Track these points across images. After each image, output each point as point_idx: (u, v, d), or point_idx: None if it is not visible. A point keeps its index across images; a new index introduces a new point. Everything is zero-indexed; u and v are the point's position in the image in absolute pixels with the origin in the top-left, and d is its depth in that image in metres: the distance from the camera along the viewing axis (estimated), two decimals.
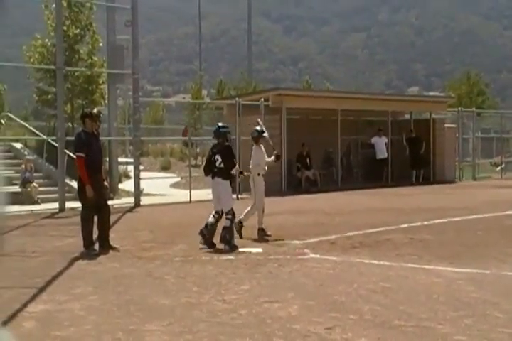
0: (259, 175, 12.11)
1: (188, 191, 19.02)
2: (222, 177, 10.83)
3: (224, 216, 10.77)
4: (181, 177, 23.52)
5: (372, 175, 25.87)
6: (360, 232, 12.17)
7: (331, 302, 7.04)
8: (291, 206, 17.57)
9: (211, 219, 10.79)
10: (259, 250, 10.51)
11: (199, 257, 9.97)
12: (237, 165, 10.97)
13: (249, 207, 12.01)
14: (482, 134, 31.04)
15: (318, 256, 9.94)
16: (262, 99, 21.78)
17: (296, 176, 23.00)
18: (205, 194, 20.22)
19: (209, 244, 10.63)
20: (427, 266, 9.00)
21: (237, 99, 21.92)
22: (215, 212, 10.87)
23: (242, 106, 21.28)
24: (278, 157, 12.52)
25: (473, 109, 32.23)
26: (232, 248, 10.48)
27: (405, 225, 13.06)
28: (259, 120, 13.13)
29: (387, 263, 9.30)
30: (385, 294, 7.36)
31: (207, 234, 10.67)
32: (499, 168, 31.31)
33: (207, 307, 6.87)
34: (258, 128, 12.02)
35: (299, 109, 23.80)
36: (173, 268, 9.09)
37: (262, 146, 12.09)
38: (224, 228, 10.64)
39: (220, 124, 11.44)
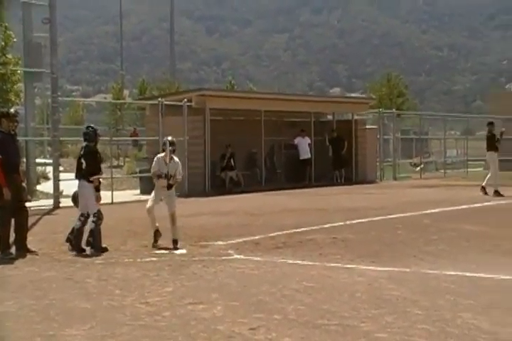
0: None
1: (110, 192, 18.74)
2: (86, 180, 10.64)
3: (90, 218, 10.57)
4: (102, 179, 23.18)
5: (296, 175, 26.06)
6: (284, 232, 12.22)
7: (255, 302, 7.04)
8: (215, 207, 17.54)
9: (77, 223, 10.55)
10: (183, 251, 10.43)
11: (121, 259, 9.83)
12: (98, 176, 10.73)
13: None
14: (402, 135, 31.65)
15: (242, 256, 9.94)
16: (185, 100, 21.65)
17: (220, 177, 23.01)
18: (128, 195, 20.08)
19: (78, 249, 10.41)
20: (349, 265, 9.10)
21: (160, 99, 21.74)
22: (80, 215, 10.63)
23: (165, 106, 21.11)
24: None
25: (394, 110, 32.93)
26: (99, 250, 10.34)
27: (328, 225, 13.18)
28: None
29: (311, 262, 9.37)
30: (308, 293, 7.41)
31: (73, 239, 10.47)
32: (418, 168, 32.01)
33: (130, 310, 6.78)
34: (170, 138, 11.28)
35: (223, 110, 23.80)
36: (95, 271, 8.94)
37: (172, 157, 11.09)
38: (89, 231, 10.46)
39: (92, 126, 11.27)
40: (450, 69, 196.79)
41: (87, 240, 10.46)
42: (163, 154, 11.17)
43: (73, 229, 10.56)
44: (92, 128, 11.06)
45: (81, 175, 10.73)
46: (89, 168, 10.63)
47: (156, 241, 10.95)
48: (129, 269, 9.05)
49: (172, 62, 53.92)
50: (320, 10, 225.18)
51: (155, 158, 11.37)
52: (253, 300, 7.15)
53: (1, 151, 10.04)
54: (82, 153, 10.86)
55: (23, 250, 10.26)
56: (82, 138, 11.07)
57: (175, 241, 10.89)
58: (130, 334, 5.88)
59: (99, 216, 10.55)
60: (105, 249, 10.48)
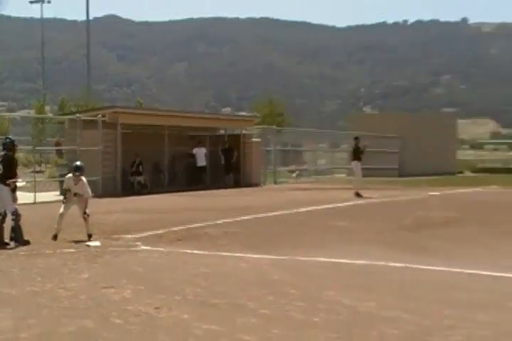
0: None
1: (33, 193, 18.08)
2: (3, 184, 10.22)
3: (10, 217, 10.19)
4: (26, 182, 22.35)
5: (193, 179, 26.00)
6: (184, 227, 12.13)
7: (158, 286, 6.97)
8: (125, 206, 17.18)
9: None
10: (98, 243, 10.18)
11: (43, 251, 9.49)
12: (13, 179, 10.29)
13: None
14: (281, 147, 32.03)
15: (148, 247, 9.80)
16: (100, 115, 21.22)
17: (130, 181, 22.71)
18: (49, 196, 19.39)
19: (1, 243, 10.00)
20: (237, 254, 9.14)
21: (77, 115, 21.20)
22: None
23: (82, 121, 20.61)
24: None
25: (274, 126, 33.39)
26: (21, 243, 9.97)
27: (220, 221, 13.15)
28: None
29: (206, 252, 9.35)
30: (204, 278, 7.39)
31: None
32: (294, 174, 32.54)
33: (50, 294, 6.55)
34: (78, 163, 11.05)
35: (133, 125, 23.44)
36: (19, 262, 8.60)
37: (80, 179, 10.81)
38: (11, 228, 10.09)
39: (10, 137, 11.05)
40: (320, 94, 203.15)
41: (10, 236, 10.07)
42: (71, 175, 10.96)
43: None
44: (10, 139, 10.75)
45: None
46: (6, 173, 10.25)
47: (53, 238, 10.55)
48: (49, 259, 8.76)
49: (88, 83, 52.71)
50: (214, 43, 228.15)
51: (65, 178, 11.28)
52: (157, 284, 7.08)
53: None
54: (0, 160, 10.48)
55: None
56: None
57: (89, 236, 10.63)
58: (50, 314, 5.68)
59: (17, 214, 10.17)
60: (27, 242, 10.09)
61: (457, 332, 5.08)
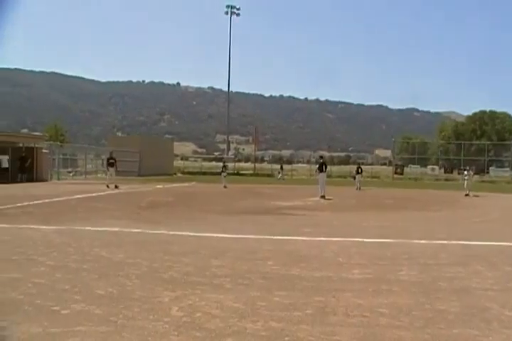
0: None
1: None
2: None
3: None
4: None
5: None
6: None
7: None
8: None
9: None
10: None
11: None
12: None
13: None
14: (63, 156, 29.21)
15: None
16: None
17: None
18: None
19: None
20: (32, 226, 8.06)
21: None
22: None
23: None
24: None
25: (58, 142, 30.21)
26: None
27: (19, 204, 11.39)
28: None
29: (10, 225, 8.00)
30: (7, 242, 6.40)
31: None
32: (72, 174, 29.83)
33: None
34: None
35: None
36: None
37: None
38: None
39: None
40: (89, 123, 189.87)
41: None
42: None
43: None
44: None
45: None
46: None
47: None
48: None
49: None
50: (16, 85, 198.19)
51: None
52: None
53: None
54: None
55: None
56: None
57: None
58: None
59: None
60: None
61: (174, 269, 5.17)
